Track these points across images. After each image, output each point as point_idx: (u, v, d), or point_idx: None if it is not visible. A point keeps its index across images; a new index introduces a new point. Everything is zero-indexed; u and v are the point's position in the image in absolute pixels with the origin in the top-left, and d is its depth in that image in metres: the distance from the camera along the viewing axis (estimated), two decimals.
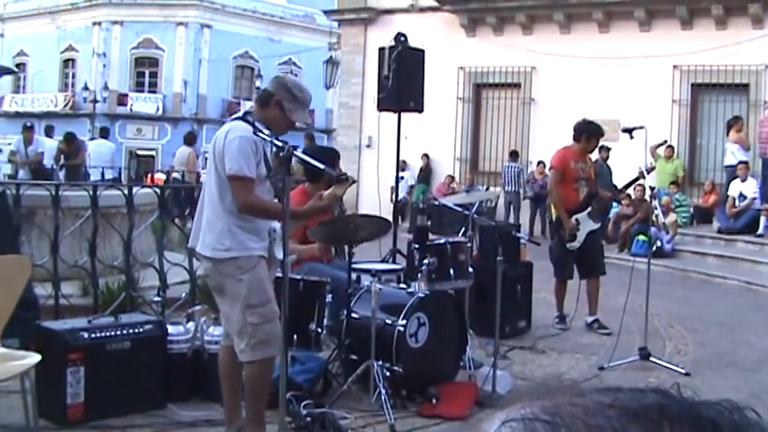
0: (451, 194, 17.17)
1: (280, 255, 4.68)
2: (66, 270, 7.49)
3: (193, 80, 40.75)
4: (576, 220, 8.64)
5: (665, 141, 16.92)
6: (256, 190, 4.68)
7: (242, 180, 4.61)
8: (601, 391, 0.70)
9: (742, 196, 15.49)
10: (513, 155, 19.17)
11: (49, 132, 18.91)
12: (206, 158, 17.19)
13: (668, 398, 0.69)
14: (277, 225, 4.82)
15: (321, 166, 4.75)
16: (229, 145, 4.65)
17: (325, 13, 25.21)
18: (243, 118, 4.80)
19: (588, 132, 8.84)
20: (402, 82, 8.53)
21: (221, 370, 5.02)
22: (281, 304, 4.35)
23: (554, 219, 9.01)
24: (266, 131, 4.68)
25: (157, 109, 40.56)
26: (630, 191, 13.44)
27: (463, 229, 7.96)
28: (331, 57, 25.94)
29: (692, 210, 16.82)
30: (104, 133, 21.33)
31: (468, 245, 7.18)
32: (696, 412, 0.67)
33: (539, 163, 18.43)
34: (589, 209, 8.70)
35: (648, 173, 8.49)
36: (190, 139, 19.91)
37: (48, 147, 17.47)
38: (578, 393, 0.70)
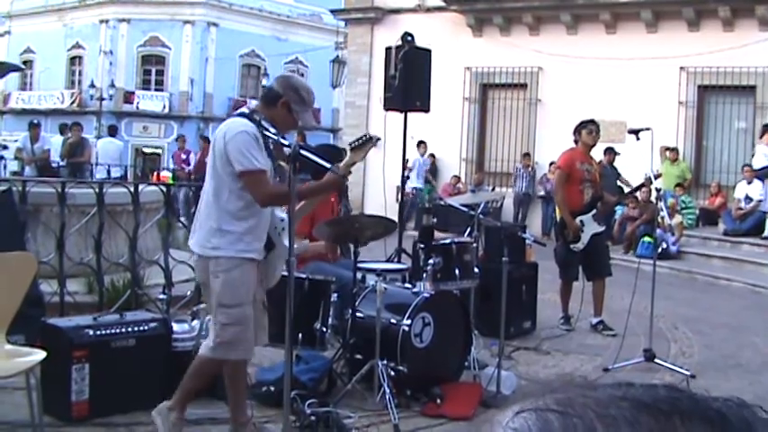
0: (457, 194, 17.16)
1: (287, 242, 4.70)
2: (72, 267, 7.50)
3: (200, 78, 40.74)
4: (581, 221, 8.64)
5: (675, 149, 16.99)
6: None
7: (254, 174, 4.62)
8: (613, 385, 0.71)
9: (748, 198, 15.47)
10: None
11: (63, 131, 18.94)
12: None
13: (679, 392, 0.69)
14: (284, 215, 4.82)
15: (328, 166, 4.75)
16: (231, 143, 4.65)
17: (332, 12, 25.20)
18: (249, 116, 4.80)
19: (579, 126, 8.84)
20: (408, 82, 8.53)
21: (224, 369, 5.03)
22: (287, 303, 4.35)
23: (558, 220, 9.02)
24: (272, 130, 4.69)
25: (164, 107, 40.58)
26: (637, 193, 13.44)
27: (469, 230, 7.96)
28: (337, 56, 25.95)
29: (697, 212, 16.79)
30: (113, 131, 21.37)
31: (474, 245, 7.18)
32: (706, 406, 0.68)
33: (551, 164, 18.50)
34: (594, 211, 8.71)
35: (656, 178, 8.50)
36: None
37: (54, 143, 17.51)
38: (590, 387, 0.71)
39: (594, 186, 8.85)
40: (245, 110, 4.99)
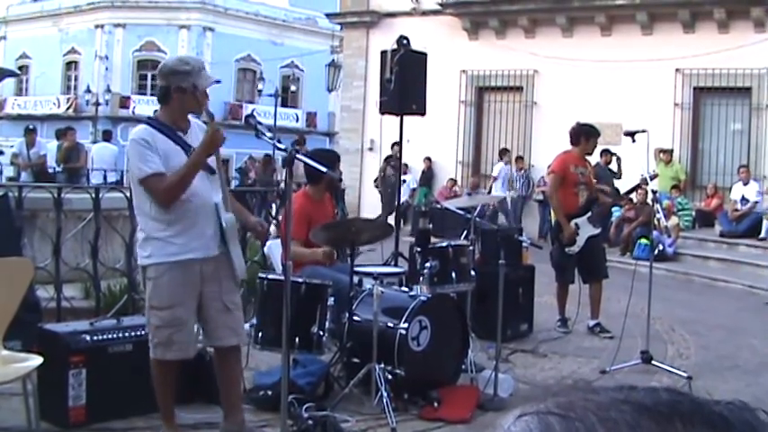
0: (453, 198, 17.16)
1: (223, 218, 4.69)
2: (68, 272, 7.49)
3: None
4: (576, 224, 8.64)
5: (669, 150, 17.01)
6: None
7: (147, 180, 4.61)
8: (614, 388, 0.71)
9: (744, 200, 15.50)
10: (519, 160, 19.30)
11: (59, 136, 18.88)
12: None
13: (681, 396, 0.69)
14: (218, 199, 4.78)
15: (323, 169, 4.75)
16: (128, 156, 4.72)
17: (328, 16, 25.22)
18: (147, 121, 4.86)
19: (586, 133, 8.88)
20: (404, 85, 8.53)
21: (215, 370, 5.06)
22: (284, 307, 4.35)
23: (554, 223, 9.03)
24: (269, 134, 4.69)
25: None
26: (633, 195, 13.45)
27: (465, 233, 7.96)
28: (333, 60, 25.94)
29: (694, 213, 16.81)
30: (107, 136, 21.32)
31: (470, 248, 7.18)
32: (708, 410, 0.68)
33: (549, 166, 18.52)
34: (589, 213, 8.71)
35: (651, 179, 8.53)
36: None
37: (50, 149, 17.48)
38: (592, 390, 0.71)
39: (589, 189, 8.87)
40: (150, 115, 4.99)
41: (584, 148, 8.89)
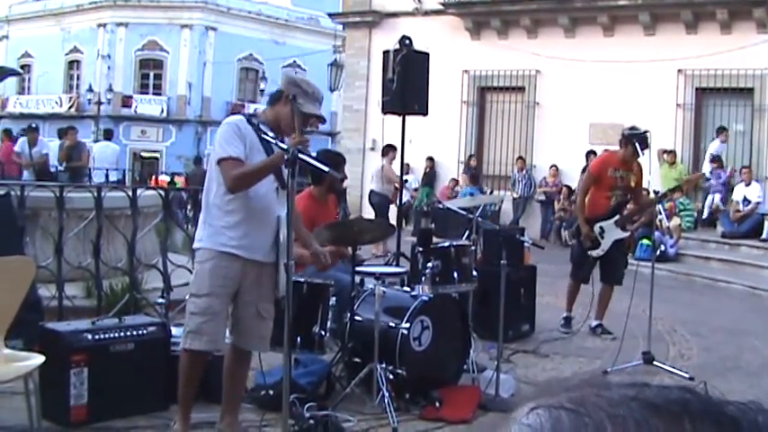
0: (455, 198, 17.14)
1: (282, 233, 4.74)
2: (70, 271, 7.50)
3: (198, 82, 40.73)
4: (601, 227, 8.51)
5: (673, 151, 16.97)
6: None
7: (224, 161, 4.71)
8: (627, 385, 0.72)
9: (746, 200, 15.48)
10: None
11: (61, 135, 18.89)
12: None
13: (693, 394, 0.69)
14: (283, 213, 4.81)
15: (325, 169, 4.75)
16: (215, 138, 4.87)
17: (330, 15, 25.22)
18: (244, 115, 4.92)
19: (626, 138, 8.44)
20: (406, 85, 8.52)
21: (225, 367, 5.09)
22: (286, 306, 4.35)
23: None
24: (270, 134, 4.71)
25: (162, 111, 40.57)
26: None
27: (467, 233, 7.95)
28: (335, 59, 25.94)
29: (695, 214, 16.79)
30: (108, 135, 21.33)
31: (472, 248, 7.17)
32: (718, 410, 0.68)
33: (551, 167, 18.58)
34: (617, 217, 8.54)
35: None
36: (383, 151, 16.84)
37: (52, 148, 17.50)
38: (605, 386, 0.71)
39: (626, 194, 8.62)
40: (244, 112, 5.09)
41: (624, 153, 8.49)
